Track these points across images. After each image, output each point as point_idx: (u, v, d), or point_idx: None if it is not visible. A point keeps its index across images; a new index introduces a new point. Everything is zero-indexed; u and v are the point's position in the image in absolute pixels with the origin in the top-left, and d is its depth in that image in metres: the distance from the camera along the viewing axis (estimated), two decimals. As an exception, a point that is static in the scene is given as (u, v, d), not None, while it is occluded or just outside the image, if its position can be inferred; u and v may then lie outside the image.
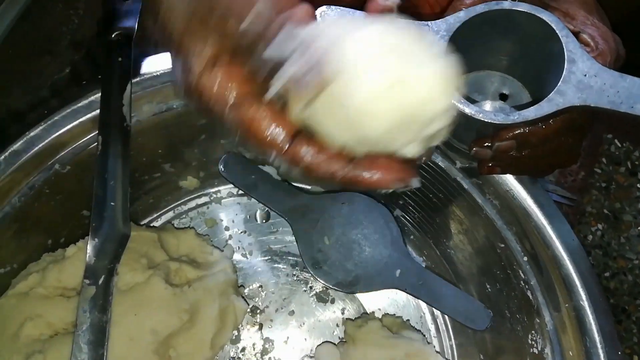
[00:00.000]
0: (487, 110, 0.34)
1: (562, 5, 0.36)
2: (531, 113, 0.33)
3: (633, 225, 0.63)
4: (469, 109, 0.33)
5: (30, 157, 0.45)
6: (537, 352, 0.47)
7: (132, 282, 0.44)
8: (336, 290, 0.49)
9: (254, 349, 0.55)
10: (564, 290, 0.45)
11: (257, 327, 0.56)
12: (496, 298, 0.52)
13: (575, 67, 0.32)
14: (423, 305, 0.59)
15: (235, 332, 0.55)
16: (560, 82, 0.32)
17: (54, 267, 0.45)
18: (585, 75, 0.32)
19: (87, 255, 0.40)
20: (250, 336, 0.56)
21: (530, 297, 0.47)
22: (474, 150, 0.37)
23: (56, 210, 0.50)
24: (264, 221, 0.62)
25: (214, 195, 0.62)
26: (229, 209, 0.62)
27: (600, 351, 0.42)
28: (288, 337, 0.56)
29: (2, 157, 0.44)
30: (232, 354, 0.55)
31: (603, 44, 0.35)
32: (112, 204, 0.42)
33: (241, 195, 0.63)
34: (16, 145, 0.45)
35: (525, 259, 0.47)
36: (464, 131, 0.39)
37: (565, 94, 0.32)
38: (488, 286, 0.52)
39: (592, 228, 0.64)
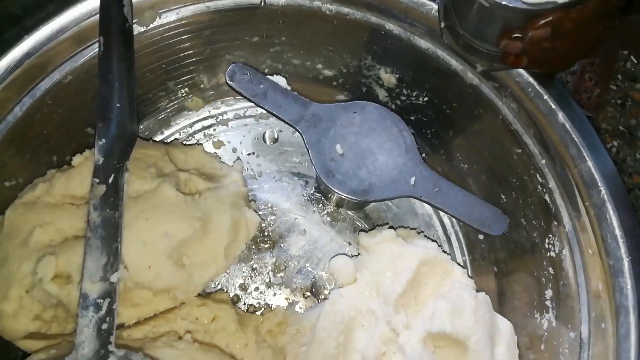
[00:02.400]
0: None
1: None
2: None
3: (649, 142, 0.62)
4: None
5: (31, 63, 0.43)
6: (554, 256, 0.46)
7: (142, 190, 0.43)
8: (350, 198, 0.47)
9: (265, 268, 0.55)
10: (583, 187, 0.43)
11: (268, 245, 0.56)
12: (512, 207, 0.51)
13: None
14: (435, 220, 0.58)
15: (247, 251, 0.55)
16: None
17: (61, 176, 0.44)
18: None
19: (95, 155, 0.39)
20: (262, 255, 0.55)
21: (548, 200, 0.46)
22: (503, 43, 0.35)
23: (60, 126, 0.49)
24: (273, 143, 0.60)
25: (220, 117, 0.60)
26: (236, 131, 0.60)
27: (622, 246, 0.41)
28: (300, 256, 0.55)
29: (2, 61, 0.42)
30: (244, 272, 0.54)
31: None
32: (118, 105, 0.40)
33: (248, 117, 0.61)
34: (15, 50, 0.43)
35: (544, 161, 0.46)
36: (488, 28, 0.37)
37: None
38: (503, 196, 0.51)
39: (607, 145, 0.63)
